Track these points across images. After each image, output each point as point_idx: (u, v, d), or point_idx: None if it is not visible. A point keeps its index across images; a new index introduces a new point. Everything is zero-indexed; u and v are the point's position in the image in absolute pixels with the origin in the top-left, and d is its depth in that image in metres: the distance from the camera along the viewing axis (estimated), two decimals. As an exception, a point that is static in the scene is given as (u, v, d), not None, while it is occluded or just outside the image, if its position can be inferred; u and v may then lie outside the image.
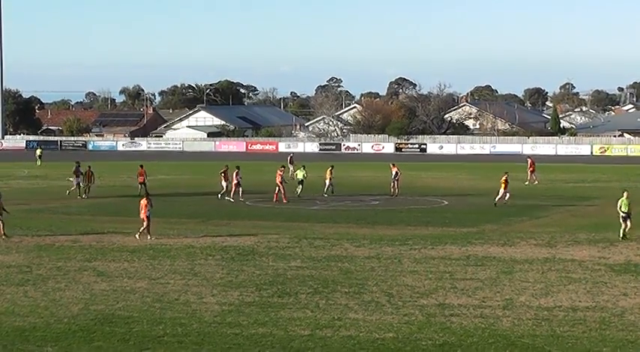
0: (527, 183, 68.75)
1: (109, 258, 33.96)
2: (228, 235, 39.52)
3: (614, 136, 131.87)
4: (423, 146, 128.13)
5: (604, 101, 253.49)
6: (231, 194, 55.36)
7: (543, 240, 38.34)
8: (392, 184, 58.57)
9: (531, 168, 70.15)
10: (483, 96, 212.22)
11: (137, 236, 38.36)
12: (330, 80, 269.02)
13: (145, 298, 26.84)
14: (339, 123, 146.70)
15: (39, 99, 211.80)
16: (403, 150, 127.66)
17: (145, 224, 38.56)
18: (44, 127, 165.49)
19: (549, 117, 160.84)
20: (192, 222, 44.98)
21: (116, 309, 25.41)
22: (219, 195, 55.86)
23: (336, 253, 34.99)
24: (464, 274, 30.61)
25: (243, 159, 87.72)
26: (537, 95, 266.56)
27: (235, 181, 55.77)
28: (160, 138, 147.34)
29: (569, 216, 48.24)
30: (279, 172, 55.18)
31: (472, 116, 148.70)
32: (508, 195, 53.08)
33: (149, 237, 38.28)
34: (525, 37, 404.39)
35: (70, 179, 59.06)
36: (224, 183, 56.41)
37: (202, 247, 36.46)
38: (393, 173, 58.95)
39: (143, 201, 39.07)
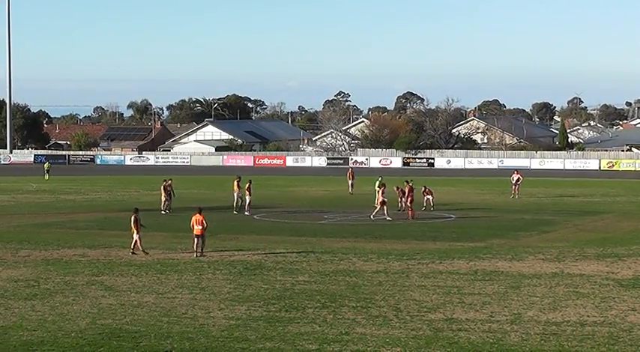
0: (513, 196, 68.61)
1: (116, 273, 33.96)
2: (235, 249, 39.51)
3: (622, 151, 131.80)
4: (430, 160, 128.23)
5: (612, 116, 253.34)
6: (247, 206, 55.98)
7: (551, 255, 38.27)
8: (400, 199, 58.51)
9: (518, 182, 69.92)
10: (491, 110, 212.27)
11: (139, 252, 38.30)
12: (337, 94, 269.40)
13: (153, 312, 26.82)
14: (346, 137, 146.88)
15: (47, 114, 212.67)
16: (411, 164, 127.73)
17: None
18: (52, 142, 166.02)
19: (557, 132, 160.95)
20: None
21: (124, 324, 25.39)
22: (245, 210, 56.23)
23: (343, 267, 34.96)
24: (472, 289, 30.56)
25: (250, 174, 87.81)
26: (545, 110, 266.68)
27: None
28: (168, 153, 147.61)
29: (577, 231, 48.17)
30: (380, 191, 54.05)
31: (480, 130, 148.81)
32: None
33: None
34: (533, 52, 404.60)
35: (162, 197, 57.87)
36: (248, 198, 57.00)
37: (210, 261, 36.45)
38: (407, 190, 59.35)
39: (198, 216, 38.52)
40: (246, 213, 55.73)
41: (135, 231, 38.35)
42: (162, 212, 56.40)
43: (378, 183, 60.46)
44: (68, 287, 31.04)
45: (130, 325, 25.20)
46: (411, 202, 53.95)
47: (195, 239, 38.05)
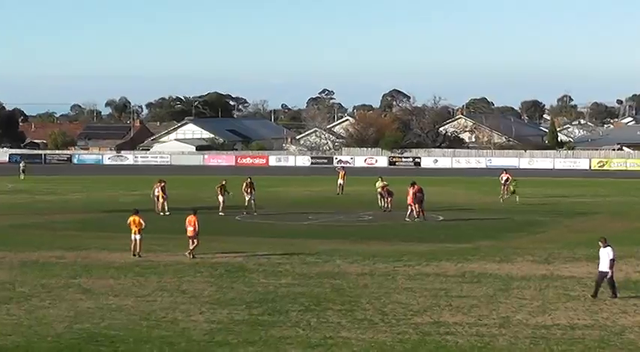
0: (501, 197, 68.31)
1: (94, 275, 33.89)
2: (217, 251, 39.46)
3: (613, 150, 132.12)
4: (417, 160, 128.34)
5: (603, 114, 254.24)
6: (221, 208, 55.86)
7: (541, 257, 38.36)
8: (387, 199, 58.51)
9: (506, 182, 69.83)
10: (479, 108, 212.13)
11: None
12: (322, 92, 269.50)
13: (132, 316, 26.77)
14: (331, 136, 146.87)
15: (22, 112, 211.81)
16: (397, 163, 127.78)
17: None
18: (28, 141, 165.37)
19: (547, 131, 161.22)
20: (180, 238, 44.80)
21: (102, 328, 25.33)
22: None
23: (327, 270, 34.97)
24: (459, 291, 30.61)
25: (232, 173, 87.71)
26: (534, 108, 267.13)
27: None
28: (147, 152, 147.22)
29: (567, 232, 48.31)
30: (411, 191, 53.69)
31: (468, 129, 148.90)
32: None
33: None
34: (522, 49, 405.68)
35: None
36: (247, 197, 57.14)
37: (190, 264, 36.42)
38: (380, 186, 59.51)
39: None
40: (220, 214, 55.54)
41: (136, 232, 38.49)
42: (161, 213, 56.12)
43: (379, 182, 60.53)
44: (45, 290, 30.95)
45: (109, 329, 25.14)
46: (420, 203, 53.24)
47: (189, 240, 38.21)
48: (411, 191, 53.62)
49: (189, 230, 38.34)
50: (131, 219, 38.92)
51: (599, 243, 30.07)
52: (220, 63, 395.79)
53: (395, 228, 50.40)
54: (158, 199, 57.11)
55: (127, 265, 36.15)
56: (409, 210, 53.22)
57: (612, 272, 29.56)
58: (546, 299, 29.23)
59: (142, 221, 38.77)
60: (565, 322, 26.08)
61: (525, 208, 61.20)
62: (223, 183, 58.05)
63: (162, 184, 57.71)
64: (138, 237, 38.44)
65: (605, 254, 29.55)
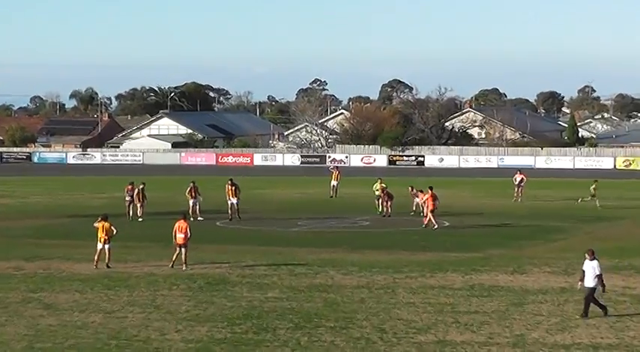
0: (515, 200, 68.70)
1: (57, 289, 33.84)
2: (195, 262, 39.39)
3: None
4: (420, 158, 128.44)
5: (628, 107, 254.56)
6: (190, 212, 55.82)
7: (559, 267, 38.40)
8: (386, 203, 58.53)
9: (521, 183, 70.05)
10: (490, 101, 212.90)
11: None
12: (313, 82, 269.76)
13: (99, 334, 26.74)
14: (323, 132, 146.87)
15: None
16: (397, 163, 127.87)
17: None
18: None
19: (566, 126, 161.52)
20: (154, 246, 44.87)
21: (65, 347, 25.31)
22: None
23: (320, 282, 34.97)
24: (468, 306, 30.63)
25: (213, 174, 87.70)
26: (552, 100, 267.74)
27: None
28: (117, 149, 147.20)
29: (588, 239, 48.29)
30: (427, 198, 53.49)
31: (477, 124, 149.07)
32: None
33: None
34: (538, 34, 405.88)
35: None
36: (230, 201, 57.19)
37: (165, 275, 36.38)
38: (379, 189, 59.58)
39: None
40: (199, 219, 55.63)
41: (103, 240, 38.40)
42: (139, 219, 56.20)
43: (377, 185, 60.47)
44: (1, 305, 30.90)
45: (73, 349, 25.12)
46: (432, 210, 52.98)
47: (178, 249, 38.24)
48: (427, 196, 53.62)
49: (180, 237, 38.31)
50: (99, 225, 38.86)
51: (586, 255, 30.11)
52: (199, 49, 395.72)
53: (395, 235, 50.40)
54: (136, 203, 57.09)
55: (94, 277, 36.09)
56: (429, 218, 52.81)
57: (599, 288, 29.38)
58: (565, 316, 29.26)
59: (112, 227, 38.70)
60: (587, 341, 26.11)
61: (542, 213, 61.20)
62: (191, 185, 57.82)
63: (142, 186, 57.84)
64: (107, 246, 38.35)
65: (591, 268, 29.56)
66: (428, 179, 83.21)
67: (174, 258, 38.20)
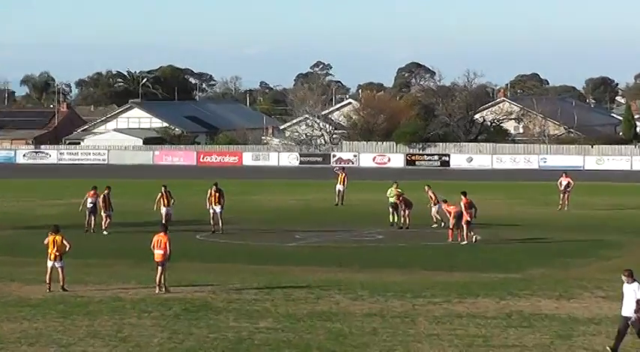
0: (560, 208, 68.63)
1: (1, 316, 33.71)
2: (170, 283, 39.21)
3: None
4: (444, 158, 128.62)
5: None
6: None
7: (614, 291, 38.13)
8: (403, 212, 58.40)
9: (567, 188, 70.01)
10: (528, 89, 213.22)
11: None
12: (314, 66, 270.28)
13: (52, 373, 26.59)
14: (327, 125, 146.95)
15: None
16: (417, 163, 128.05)
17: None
18: None
19: (621, 119, 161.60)
20: (120, 264, 44.84)
21: (10, 389, 25.14)
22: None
23: (322, 309, 34.88)
24: (504, 339, 30.52)
25: (193, 176, 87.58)
26: (604, 88, 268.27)
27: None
28: (77, 147, 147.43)
29: (650, 257, 48.22)
30: (454, 208, 53.51)
31: (513, 116, 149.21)
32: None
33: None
34: (587, 9, 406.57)
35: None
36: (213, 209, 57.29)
37: (134, 300, 36.25)
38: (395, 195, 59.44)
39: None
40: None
41: (55, 257, 38.21)
42: (105, 232, 56.22)
43: (392, 190, 60.12)
44: None
45: (20, 391, 24.92)
46: (467, 222, 52.68)
47: (157, 267, 38.22)
48: (455, 206, 53.47)
49: (158, 254, 38.29)
50: (50, 239, 38.63)
51: (623, 276, 29.19)
52: (177, 27, 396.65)
53: (414, 251, 50.45)
54: (100, 212, 57.09)
55: (47, 302, 35.97)
56: (466, 230, 52.59)
57: (633, 316, 28.52)
58: (622, 350, 29.04)
59: (65, 241, 38.46)
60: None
61: (593, 224, 61.08)
62: (162, 190, 57.73)
63: (107, 191, 57.84)
64: (58, 264, 38.07)
65: (632, 292, 28.70)
66: (453, 183, 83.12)
67: (157, 279, 37.99)
